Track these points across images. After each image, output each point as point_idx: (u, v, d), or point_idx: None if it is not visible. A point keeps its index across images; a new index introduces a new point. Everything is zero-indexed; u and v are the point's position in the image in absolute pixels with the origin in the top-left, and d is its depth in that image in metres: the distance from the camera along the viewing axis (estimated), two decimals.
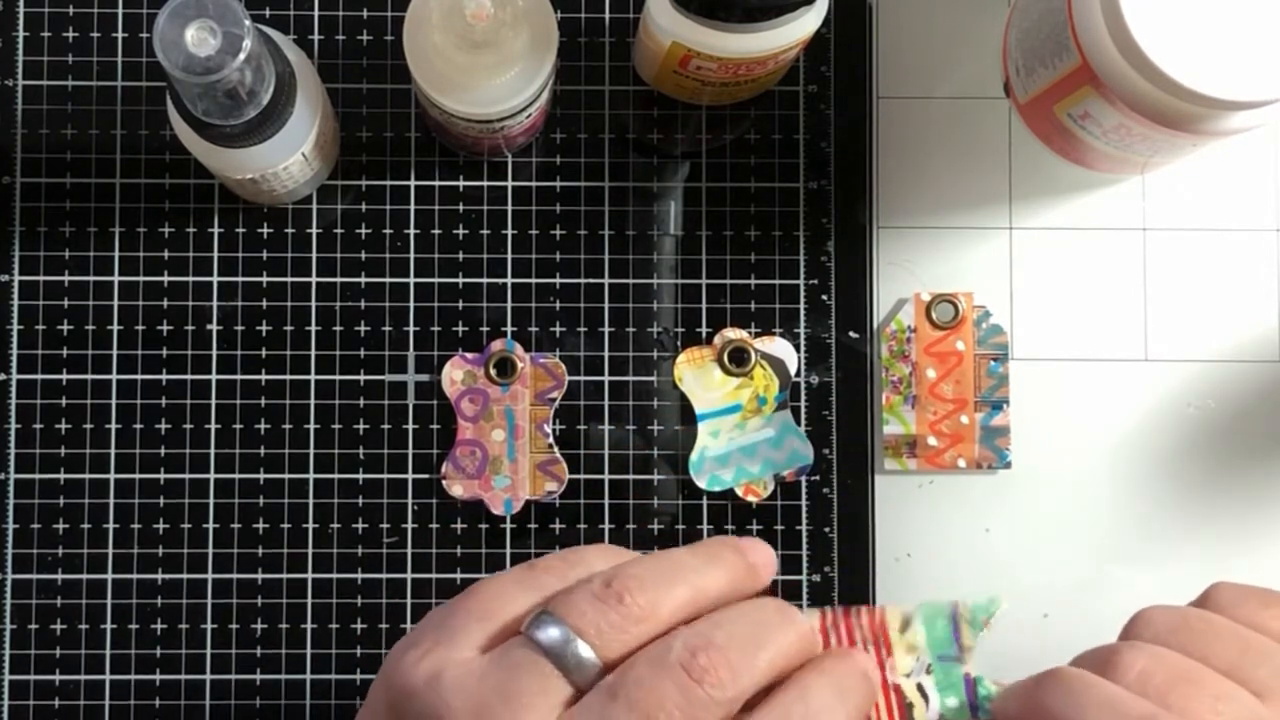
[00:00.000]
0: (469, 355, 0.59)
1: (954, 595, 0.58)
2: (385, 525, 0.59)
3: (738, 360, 0.59)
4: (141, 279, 0.59)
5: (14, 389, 0.59)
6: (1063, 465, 0.60)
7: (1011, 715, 0.45)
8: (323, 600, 0.59)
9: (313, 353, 0.59)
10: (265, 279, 0.60)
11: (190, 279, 0.60)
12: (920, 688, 0.45)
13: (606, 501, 0.59)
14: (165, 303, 0.59)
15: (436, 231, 0.60)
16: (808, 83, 0.61)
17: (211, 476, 0.59)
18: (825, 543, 0.59)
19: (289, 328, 0.59)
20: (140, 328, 0.59)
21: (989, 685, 0.45)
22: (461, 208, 0.60)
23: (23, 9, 0.60)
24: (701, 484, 0.59)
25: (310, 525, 0.59)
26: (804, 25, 0.52)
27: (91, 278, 0.59)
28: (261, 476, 0.59)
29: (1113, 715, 0.43)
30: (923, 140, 0.60)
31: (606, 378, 0.60)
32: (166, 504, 0.59)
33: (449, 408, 0.59)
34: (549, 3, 0.51)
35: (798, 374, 0.60)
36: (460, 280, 0.60)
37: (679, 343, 0.60)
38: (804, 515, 0.59)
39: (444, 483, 0.59)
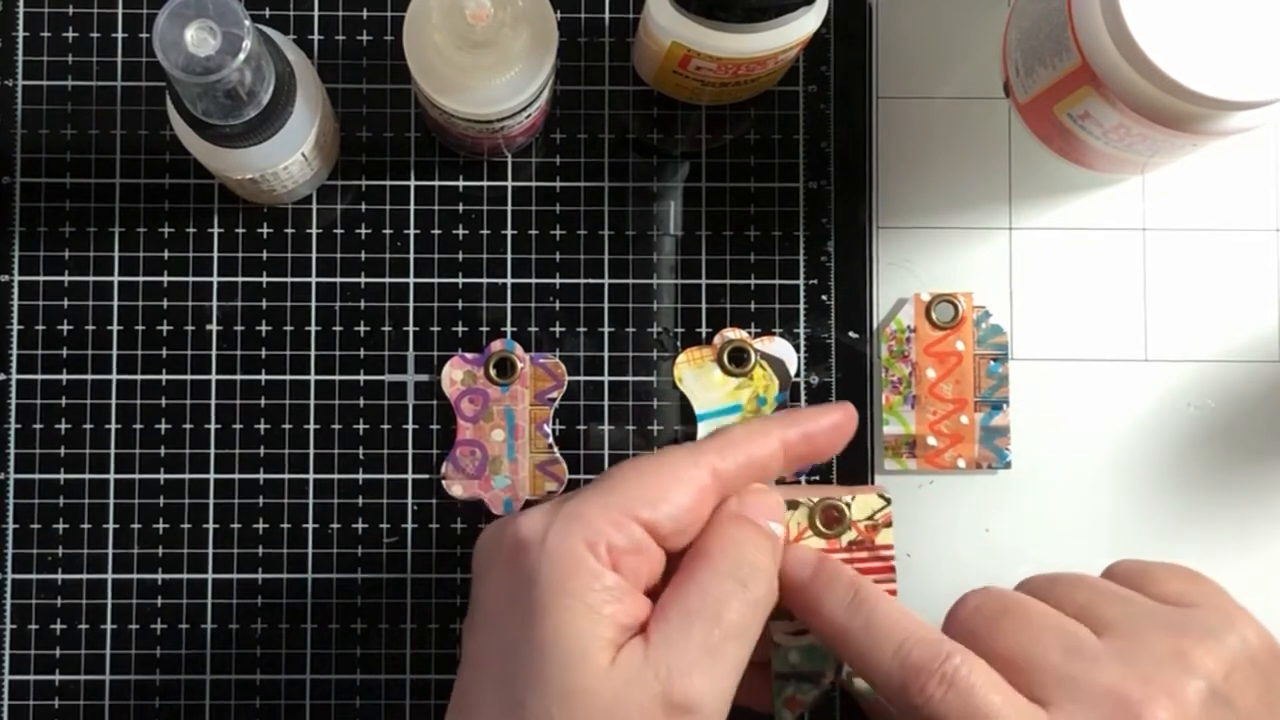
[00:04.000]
0: (469, 355, 0.59)
1: (954, 596, 0.59)
2: (385, 525, 0.59)
3: (738, 360, 0.59)
4: (141, 279, 0.59)
5: (14, 389, 0.59)
6: (1063, 465, 0.60)
7: (788, 592, 0.47)
8: (323, 599, 0.59)
9: (313, 353, 0.59)
10: (265, 279, 0.60)
11: (190, 279, 0.60)
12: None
13: None
14: (165, 303, 0.59)
15: (436, 231, 0.60)
16: (808, 83, 0.61)
17: (211, 476, 0.59)
18: None
19: (289, 328, 0.59)
20: (140, 328, 0.59)
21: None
22: (461, 208, 0.60)
23: (23, 9, 0.60)
24: None
25: (310, 525, 0.59)
26: (804, 25, 0.52)
27: (91, 278, 0.59)
28: (261, 476, 0.59)
29: (892, 632, 0.44)
30: (923, 140, 0.60)
31: (606, 378, 0.60)
32: (166, 504, 0.59)
33: (449, 408, 0.59)
34: (549, 3, 0.51)
35: (798, 374, 0.60)
36: (460, 280, 0.60)
37: (679, 343, 0.60)
38: None
39: (444, 483, 0.59)
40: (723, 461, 0.46)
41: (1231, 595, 0.48)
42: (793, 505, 0.48)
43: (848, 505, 0.48)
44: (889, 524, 0.48)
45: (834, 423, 0.48)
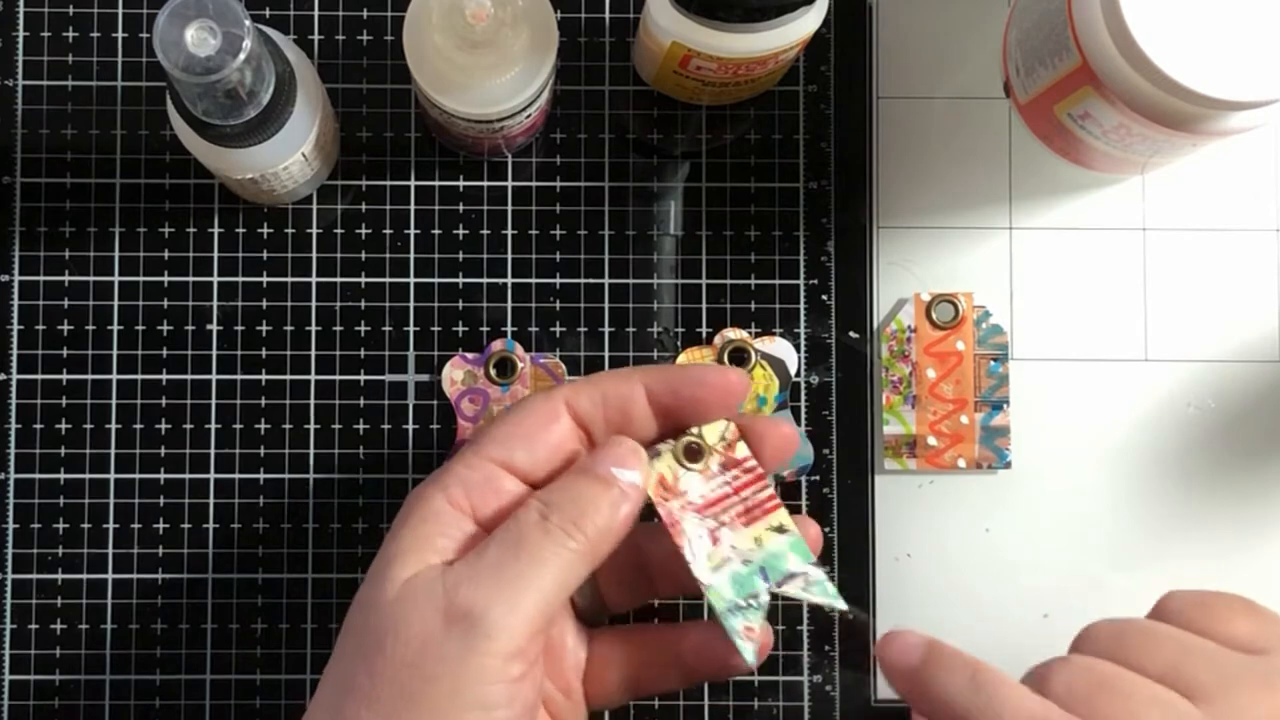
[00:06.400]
0: (469, 355, 0.59)
1: (954, 595, 0.59)
2: (385, 525, 0.59)
3: (738, 360, 0.59)
4: (141, 279, 0.59)
5: (14, 389, 0.59)
6: (1063, 465, 0.60)
7: (897, 678, 0.46)
8: (323, 600, 0.59)
9: (313, 353, 0.59)
10: (265, 279, 0.60)
11: (190, 279, 0.60)
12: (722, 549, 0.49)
13: None
14: (165, 303, 0.59)
15: (436, 231, 0.60)
16: (808, 83, 0.61)
17: (211, 476, 0.59)
18: (825, 543, 0.59)
19: (289, 328, 0.59)
20: (140, 328, 0.59)
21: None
22: (461, 208, 0.60)
23: (23, 9, 0.60)
24: None
25: (310, 525, 0.59)
26: (804, 25, 0.52)
27: (91, 278, 0.59)
28: (261, 476, 0.59)
29: (1018, 713, 0.43)
30: (923, 140, 0.60)
31: None
32: (166, 504, 0.59)
33: (449, 408, 0.59)
34: (549, 3, 0.51)
35: (798, 374, 0.60)
36: (460, 280, 0.60)
37: (679, 343, 0.60)
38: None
39: None
40: (576, 396, 0.48)
41: None
42: (656, 455, 0.49)
43: (699, 435, 0.50)
44: (739, 438, 0.50)
45: (704, 380, 0.49)
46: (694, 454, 0.50)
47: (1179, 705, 0.43)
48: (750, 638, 0.47)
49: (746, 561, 0.49)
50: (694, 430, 0.50)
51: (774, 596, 0.48)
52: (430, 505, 0.46)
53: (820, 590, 0.49)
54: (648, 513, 0.49)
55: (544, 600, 0.44)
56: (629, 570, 0.53)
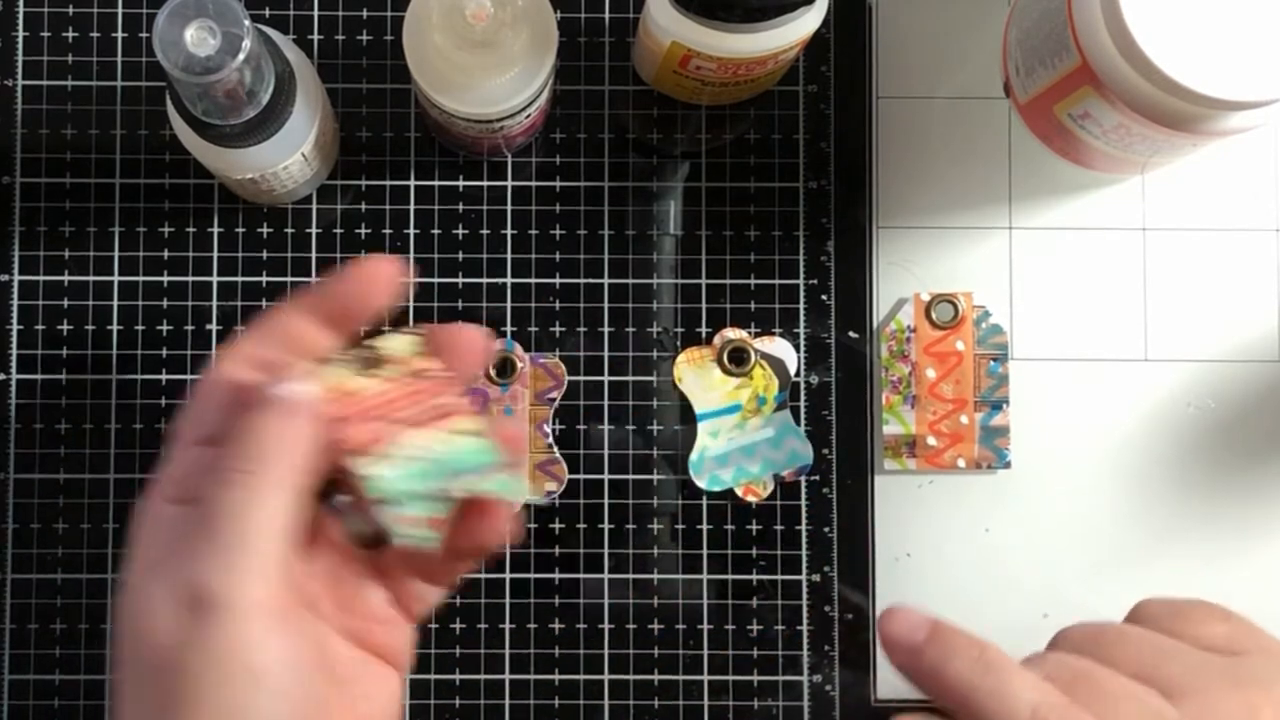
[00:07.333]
0: None
1: (954, 595, 0.59)
2: None
3: (737, 360, 0.59)
4: (141, 279, 0.59)
5: (14, 389, 0.59)
6: (1063, 465, 0.60)
7: (901, 654, 0.45)
8: None
9: None
10: (265, 279, 0.60)
11: (190, 279, 0.60)
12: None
13: (606, 501, 0.59)
14: (165, 303, 0.59)
15: (436, 231, 0.60)
16: (808, 83, 0.61)
17: None
18: (825, 543, 0.59)
19: None
20: (140, 328, 0.59)
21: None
22: (461, 208, 0.60)
23: (23, 9, 0.60)
24: (701, 484, 0.59)
25: None
26: (804, 25, 0.52)
27: (91, 278, 0.59)
28: None
29: (1025, 695, 0.43)
30: (923, 140, 0.60)
31: (606, 378, 0.60)
32: None
33: None
34: (549, 3, 0.51)
35: (797, 374, 0.60)
36: (460, 280, 0.60)
37: (679, 343, 0.60)
38: (804, 515, 0.59)
39: None
40: (233, 364, 0.45)
41: (1262, 629, 0.48)
42: (329, 364, 0.46)
43: (375, 345, 0.46)
44: (421, 350, 0.47)
45: (352, 274, 0.46)
46: (371, 362, 0.46)
47: (1153, 701, 0.44)
48: (418, 526, 0.44)
49: (425, 459, 0.45)
50: (374, 342, 0.46)
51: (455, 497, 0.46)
52: (148, 511, 0.44)
53: (500, 485, 0.46)
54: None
55: (262, 550, 0.41)
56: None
